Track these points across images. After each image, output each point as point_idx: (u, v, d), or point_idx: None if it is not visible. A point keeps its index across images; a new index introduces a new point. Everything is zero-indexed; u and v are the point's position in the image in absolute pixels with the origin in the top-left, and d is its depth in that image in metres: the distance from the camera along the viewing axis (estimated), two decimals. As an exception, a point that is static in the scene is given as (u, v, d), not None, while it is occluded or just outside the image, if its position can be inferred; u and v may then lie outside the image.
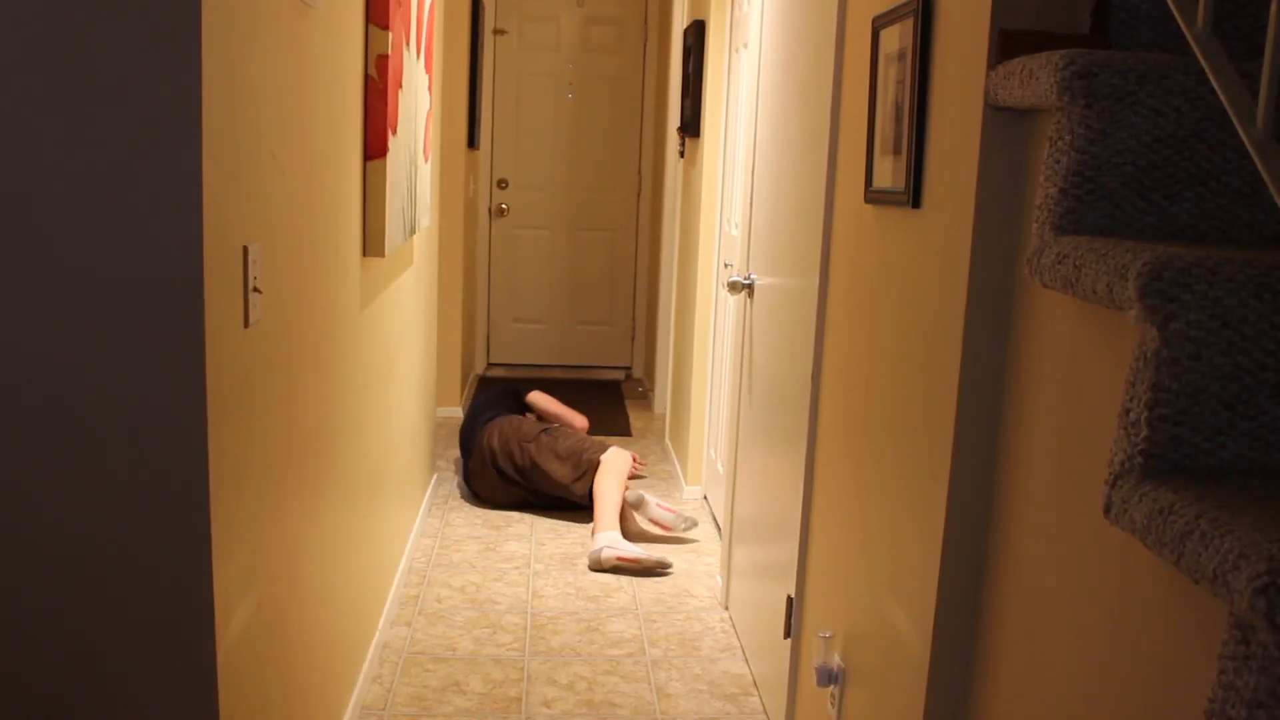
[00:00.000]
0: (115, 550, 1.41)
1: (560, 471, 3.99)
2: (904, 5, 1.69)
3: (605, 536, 3.68)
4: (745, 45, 3.48)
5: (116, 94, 1.32)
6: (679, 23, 5.03)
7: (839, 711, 2.06)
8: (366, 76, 2.42)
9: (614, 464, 3.95)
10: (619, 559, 3.60)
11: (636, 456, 4.21)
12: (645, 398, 6.12)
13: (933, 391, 1.56)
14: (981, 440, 1.46)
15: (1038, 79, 1.23)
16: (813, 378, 2.28)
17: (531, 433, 4.09)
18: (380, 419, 2.87)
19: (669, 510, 3.89)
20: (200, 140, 1.34)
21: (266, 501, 1.71)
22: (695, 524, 3.90)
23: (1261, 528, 0.81)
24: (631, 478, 4.26)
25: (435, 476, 4.36)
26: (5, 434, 1.37)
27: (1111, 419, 1.11)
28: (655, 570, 3.61)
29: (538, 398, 4.48)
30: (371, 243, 2.50)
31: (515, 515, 4.08)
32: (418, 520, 3.80)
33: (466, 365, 5.71)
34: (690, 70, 4.41)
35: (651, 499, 3.91)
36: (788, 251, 2.57)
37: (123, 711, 1.45)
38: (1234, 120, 1.00)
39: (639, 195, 6.42)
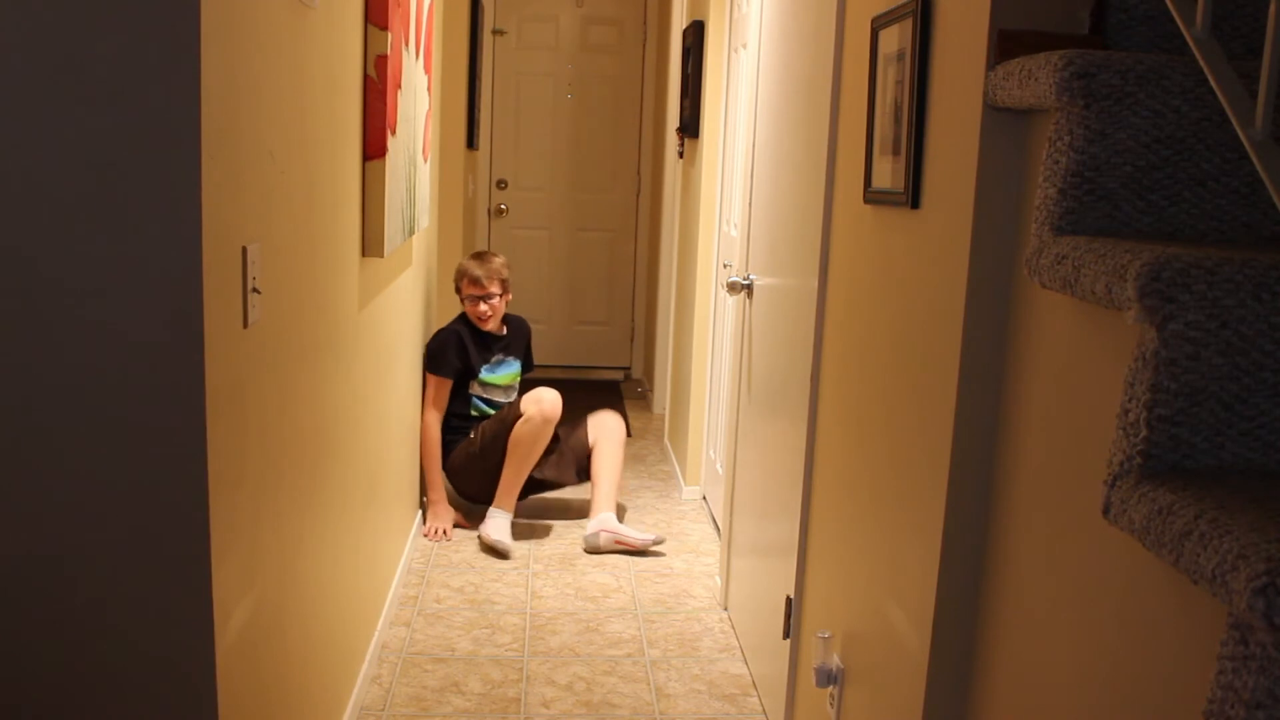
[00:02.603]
0: (114, 550, 1.41)
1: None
2: (903, 5, 1.69)
3: (600, 519, 3.77)
4: (744, 46, 3.48)
5: (116, 94, 1.32)
6: (678, 23, 5.03)
7: (838, 712, 2.06)
8: (365, 77, 2.42)
9: (611, 435, 3.94)
10: (616, 542, 3.72)
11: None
12: (644, 398, 6.12)
13: (932, 392, 1.56)
14: (980, 440, 1.46)
15: (1037, 79, 1.23)
16: (812, 378, 2.28)
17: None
18: (379, 419, 2.87)
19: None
20: (200, 140, 1.34)
21: (265, 501, 1.71)
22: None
23: (1260, 528, 0.81)
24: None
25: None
26: (4, 433, 1.37)
27: (1110, 419, 1.11)
28: (649, 549, 3.75)
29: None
30: (370, 243, 2.50)
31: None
32: (416, 520, 3.80)
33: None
34: (689, 71, 4.41)
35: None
36: (787, 252, 2.57)
37: (122, 711, 1.45)
38: (1233, 121, 1.00)
39: (638, 196, 6.42)
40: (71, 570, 1.41)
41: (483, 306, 3.91)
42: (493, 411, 3.96)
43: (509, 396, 4.03)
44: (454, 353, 3.87)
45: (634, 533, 3.75)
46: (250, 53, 1.54)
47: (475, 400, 3.96)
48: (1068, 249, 1.13)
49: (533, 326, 4.36)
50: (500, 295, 3.95)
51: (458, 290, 3.97)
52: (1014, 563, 1.37)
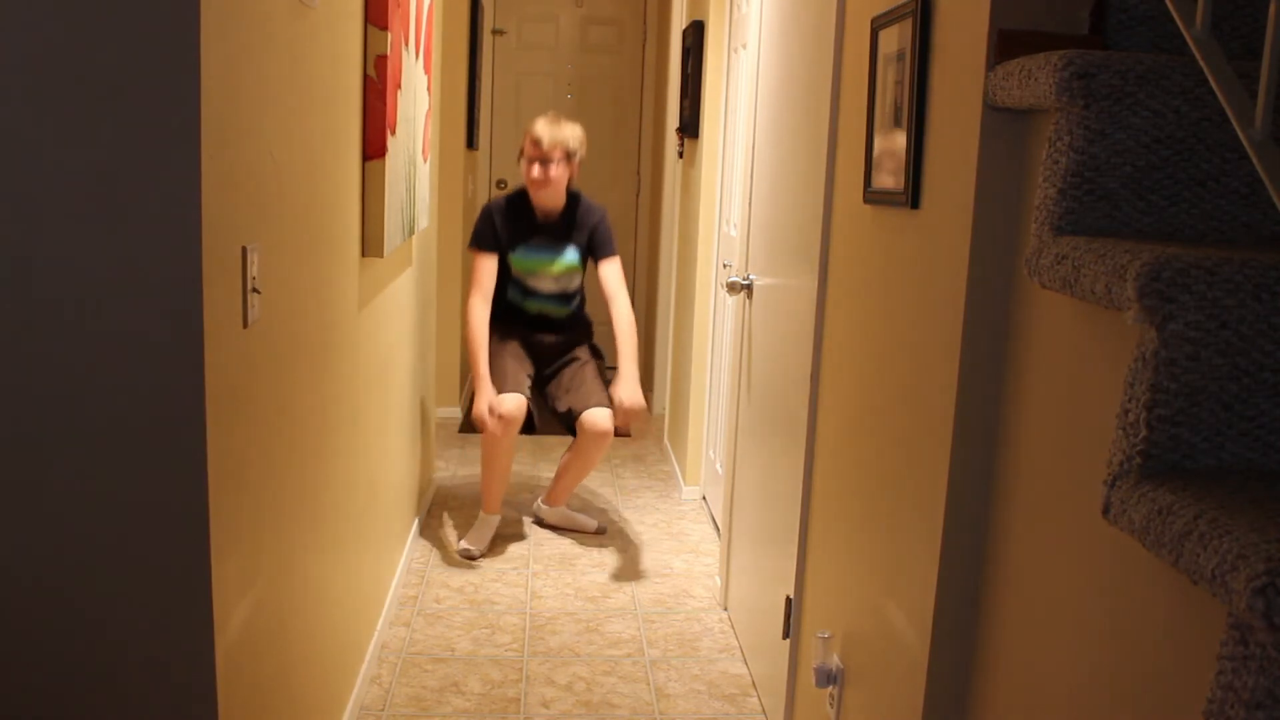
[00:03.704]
0: (114, 550, 1.41)
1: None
2: (903, 6, 1.69)
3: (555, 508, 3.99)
4: (744, 46, 3.48)
5: (116, 94, 1.32)
6: (678, 23, 5.03)
7: (837, 712, 2.06)
8: (365, 77, 2.42)
9: (599, 441, 3.72)
10: (566, 526, 3.97)
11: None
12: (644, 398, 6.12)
13: (932, 392, 1.56)
14: (980, 440, 1.46)
15: (1036, 79, 1.23)
16: (811, 378, 2.28)
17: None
18: (379, 419, 2.87)
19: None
20: (199, 140, 1.34)
21: (265, 501, 1.71)
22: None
23: (1259, 528, 0.81)
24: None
25: (434, 476, 4.35)
26: (4, 433, 1.37)
27: (1110, 419, 1.11)
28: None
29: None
30: (370, 243, 2.50)
31: (514, 515, 4.07)
32: (416, 520, 3.80)
33: (465, 366, 5.71)
34: (689, 71, 4.41)
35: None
36: (786, 252, 2.57)
37: (122, 711, 1.45)
38: (1232, 121, 1.00)
39: (638, 196, 6.42)
40: (71, 570, 1.41)
41: (535, 169, 3.54)
42: (531, 308, 3.69)
43: (560, 286, 3.70)
44: (484, 222, 3.62)
45: (584, 520, 3.97)
46: (250, 53, 1.54)
47: (512, 290, 3.68)
48: (1067, 249, 1.13)
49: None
50: (562, 163, 3.55)
51: (520, 153, 3.62)
52: (1014, 563, 1.37)
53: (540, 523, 4.00)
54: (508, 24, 6.27)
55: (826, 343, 2.21)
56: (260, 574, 1.68)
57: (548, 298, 3.73)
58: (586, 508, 4.20)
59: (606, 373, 3.83)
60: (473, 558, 3.64)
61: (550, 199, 3.62)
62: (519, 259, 3.66)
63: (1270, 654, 0.77)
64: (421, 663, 2.87)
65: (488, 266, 3.62)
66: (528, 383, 3.63)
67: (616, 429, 3.69)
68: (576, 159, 3.61)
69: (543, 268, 3.67)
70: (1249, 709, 0.77)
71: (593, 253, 3.69)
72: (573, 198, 3.68)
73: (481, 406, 3.53)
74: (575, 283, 3.75)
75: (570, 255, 3.68)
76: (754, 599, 2.88)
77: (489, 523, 3.75)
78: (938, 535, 1.51)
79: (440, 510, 4.12)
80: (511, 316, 3.73)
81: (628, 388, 3.61)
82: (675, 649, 3.04)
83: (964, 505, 1.48)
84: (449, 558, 3.65)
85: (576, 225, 3.68)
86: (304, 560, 1.99)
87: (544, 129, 3.56)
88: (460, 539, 3.75)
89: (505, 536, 3.87)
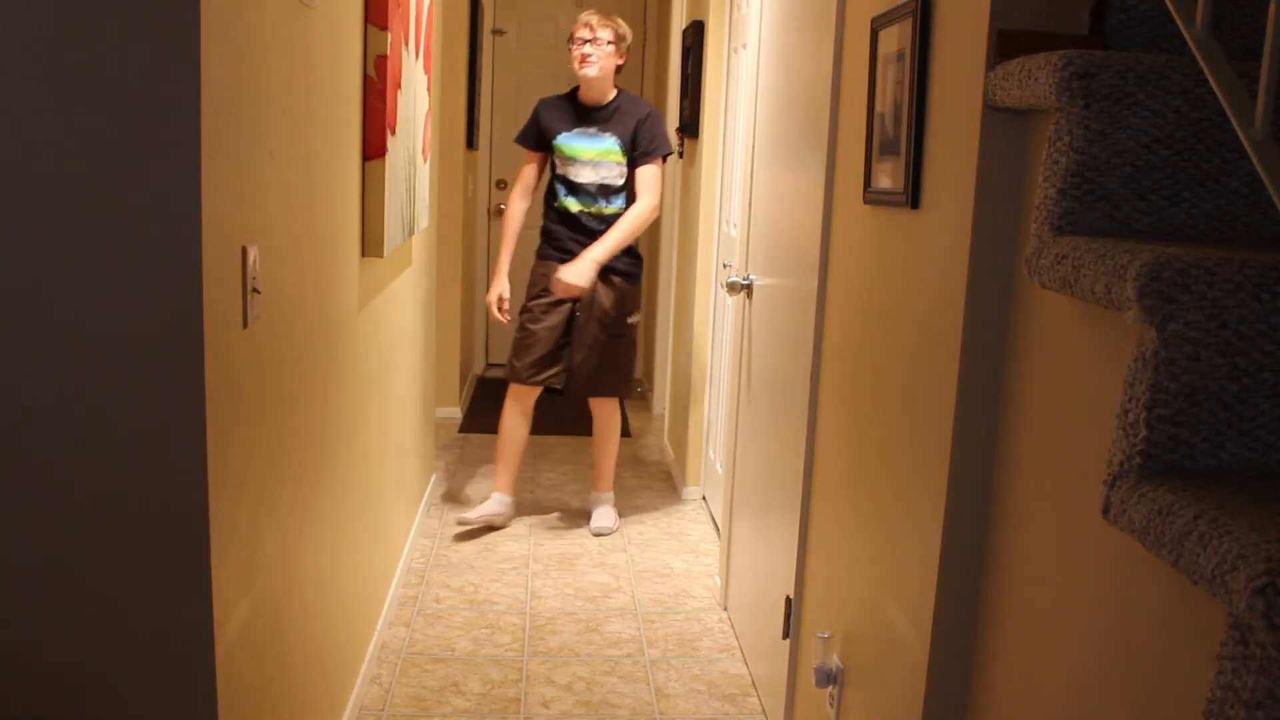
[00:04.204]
0: (114, 550, 1.41)
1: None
2: (903, 6, 1.69)
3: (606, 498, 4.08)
4: (744, 46, 3.48)
5: (115, 94, 1.32)
6: (678, 23, 5.03)
7: (837, 712, 2.06)
8: (365, 77, 2.42)
9: (610, 428, 4.00)
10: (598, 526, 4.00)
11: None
12: (644, 398, 6.12)
13: (931, 392, 1.56)
14: (980, 440, 1.46)
15: (1036, 79, 1.23)
16: (811, 378, 2.28)
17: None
18: (379, 419, 2.87)
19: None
20: (199, 140, 1.34)
21: (265, 501, 1.71)
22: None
23: (1259, 528, 0.81)
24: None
25: (434, 477, 4.35)
26: (4, 434, 1.37)
27: (1110, 419, 1.11)
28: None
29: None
30: (370, 243, 2.50)
31: (513, 515, 4.07)
32: (416, 520, 3.80)
33: (465, 366, 5.71)
34: (689, 71, 4.41)
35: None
36: (786, 252, 2.57)
37: (122, 711, 1.45)
38: (1233, 121, 1.00)
39: (638, 196, 6.41)
40: (71, 570, 1.41)
41: (587, 48, 3.64)
42: (572, 207, 3.73)
43: (600, 176, 3.72)
44: (530, 119, 3.81)
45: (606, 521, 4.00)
46: (250, 53, 1.54)
47: (558, 187, 3.76)
48: (1067, 249, 1.14)
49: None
50: (611, 45, 3.65)
51: (569, 38, 3.73)
52: (1014, 563, 1.37)
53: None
54: (508, 24, 6.26)
55: (826, 343, 2.21)
56: (259, 574, 1.68)
57: (588, 193, 3.75)
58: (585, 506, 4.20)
59: (616, 345, 3.84)
60: (466, 524, 3.78)
61: (597, 87, 3.72)
62: (561, 144, 3.74)
63: (1270, 654, 0.77)
64: (421, 663, 2.87)
65: (531, 166, 3.85)
66: (549, 358, 3.78)
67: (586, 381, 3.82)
68: (624, 46, 3.71)
69: (582, 153, 3.73)
70: (1249, 709, 0.77)
71: (634, 152, 3.72)
72: (619, 91, 3.79)
73: (490, 296, 3.87)
74: (617, 178, 3.75)
75: (608, 141, 3.73)
76: (754, 599, 2.88)
77: (496, 500, 3.87)
78: (938, 535, 1.51)
79: (440, 510, 4.12)
80: (559, 226, 3.79)
81: (573, 265, 3.68)
82: (675, 649, 3.04)
83: (964, 505, 1.48)
84: (449, 557, 3.65)
85: (620, 115, 3.74)
86: (304, 560, 1.99)
87: (593, 14, 3.71)
88: (458, 539, 3.76)
89: (505, 536, 3.87)
